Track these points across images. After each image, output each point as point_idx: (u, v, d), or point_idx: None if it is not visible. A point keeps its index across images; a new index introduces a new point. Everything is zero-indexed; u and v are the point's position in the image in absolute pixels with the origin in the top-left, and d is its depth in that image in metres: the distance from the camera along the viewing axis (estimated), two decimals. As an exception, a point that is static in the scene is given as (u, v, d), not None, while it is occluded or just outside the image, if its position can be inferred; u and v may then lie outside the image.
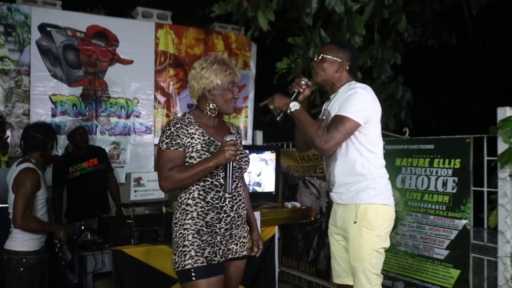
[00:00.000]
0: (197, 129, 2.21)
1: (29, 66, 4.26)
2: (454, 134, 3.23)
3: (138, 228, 3.45)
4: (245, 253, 2.34)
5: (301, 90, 2.49)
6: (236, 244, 2.27)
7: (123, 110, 4.72)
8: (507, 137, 2.81)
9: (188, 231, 2.16)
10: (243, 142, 5.11)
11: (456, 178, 3.15)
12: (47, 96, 4.35)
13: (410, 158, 3.46)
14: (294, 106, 2.40)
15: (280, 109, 2.44)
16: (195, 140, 2.18)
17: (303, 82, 2.49)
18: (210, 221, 2.17)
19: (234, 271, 2.32)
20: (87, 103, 4.56)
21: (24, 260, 2.90)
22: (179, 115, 2.32)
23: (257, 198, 4.18)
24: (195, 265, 2.12)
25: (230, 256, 2.25)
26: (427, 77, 6.53)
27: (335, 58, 2.48)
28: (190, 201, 2.18)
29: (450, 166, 3.20)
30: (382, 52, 4.50)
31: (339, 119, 2.33)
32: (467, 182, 3.09)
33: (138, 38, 4.76)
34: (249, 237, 2.41)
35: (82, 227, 3.60)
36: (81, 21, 4.50)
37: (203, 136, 2.21)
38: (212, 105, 2.24)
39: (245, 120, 5.35)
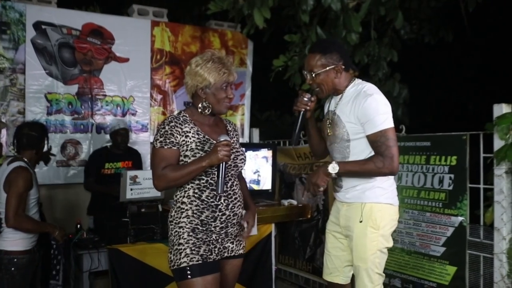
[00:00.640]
0: (192, 127, 2.20)
1: (24, 64, 4.24)
2: (451, 131, 3.23)
3: (134, 227, 3.45)
4: (241, 251, 2.33)
5: (308, 108, 2.41)
6: (232, 243, 2.26)
7: (119, 108, 4.70)
8: (503, 134, 2.81)
9: (183, 229, 2.16)
10: (240, 140, 5.11)
11: (452, 175, 3.15)
12: (42, 95, 4.34)
13: (407, 155, 3.46)
14: (333, 169, 2.28)
15: (326, 183, 2.33)
16: (190, 139, 2.17)
17: (306, 99, 2.39)
18: (205, 219, 2.16)
19: (231, 270, 2.32)
20: (83, 101, 4.54)
21: (15, 260, 2.87)
22: (175, 113, 2.29)
23: (254, 196, 4.15)
24: (191, 263, 2.12)
25: (226, 254, 2.24)
26: (423, 75, 6.53)
27: (327, 68, 2.36)
28: (185, 199, 2.18)
29: (446, 163, 3.20)
30: (378, 49, 4.49)
31: (381, 136, 2.25)
32: (464, 179, 3.09)
33: (134, 36, 4.75)
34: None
35: (78, 226, 3.59)
36: (76, 19, 4.48)
37: (198, 134, 2.19)
38: (205, 103, 2.22)
39: (241, 118, 5.34)
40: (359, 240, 2.37)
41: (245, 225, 2.31)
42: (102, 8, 5.12)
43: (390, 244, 2.44)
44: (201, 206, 2.16)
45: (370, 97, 2.28)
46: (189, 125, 2.20)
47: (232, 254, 2.27)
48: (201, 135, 2.20)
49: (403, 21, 4.24)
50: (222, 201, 2.18)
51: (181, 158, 2.18)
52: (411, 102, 4.96)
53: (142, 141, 4.81)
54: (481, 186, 3.05)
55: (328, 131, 2.48)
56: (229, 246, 2.25)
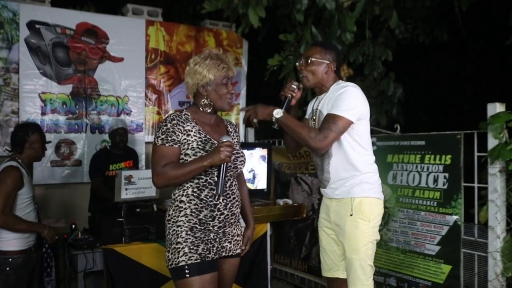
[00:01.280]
0: (193, 126, 2.20)
1: (18, 64, 4.22)
2: (445, 131, 3.24)
3: (129, 227, 3.43)
4: (238, 251, 2.34)
5: (294, 95, 2.50)
6: (230, 242, 2.26)
7: (113, 108, 4.69)
8: (497, 133, 2.82)
9: (181, 228, 2.15)
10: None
11: (447, 174, 3.16)
12: (36, 94, 4.32)
13: (401, 154, 3.47)
14: (277, 113, 2.40)
15: (264, 119, 2.44)
16: (191, 138, 2.17)
17: (294, 86, 2.50)
18: (204, 218, 2.16)
19: (228, 269, 2.31)
20: (77, 101, 4.53)
21: (10, 260, 2.87)
22: (170, 112, 2.30)
23: (249, 195, 4.17)
24: (189, 262, 2.11)
25: (223, 254, 2.24)
26: (418, 74, 6.54)
27: (323, 60, 2.51)
28: (184, 198, 2.17)
29: (441, 162, 3.21)
30: (373, 48, 4.50)
31: (331, 118, 2.37)
32: (458, 178, 3.10)
33: (128, 35, 4.73)
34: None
35: (73, 226, 3.57)
36: (70, 18, 4.47)
37: (199, 133, 2.19)
38: (207, 101, 2.23)
39: (236, 117, 5.33)
40: (351, 232, 2.45)
41: (243, 246, 2.40)
42: (97, 8, 5.11)
43: (378, 236, 2.54)
44: (200, 205, 2.15)
45: (344, 88, 2.44)
46: (190, 123, 2.20)
47: (229, 254, 2.27)
48: (202, 134, 2.20)
49: (398, 20, 4.25)
50: (220, 200, 2.18)
51: (181, 156, 2.18)
52: (406, 101, 4.97)
53: (137, 141, 4.80)
54: (476, 185, 3.06)
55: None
56: (227, 245, 2.25)
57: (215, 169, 2.14)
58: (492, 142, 2.88)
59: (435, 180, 3.23)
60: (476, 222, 3.05)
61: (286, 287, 4.63)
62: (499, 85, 5.77)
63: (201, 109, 2.25)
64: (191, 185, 2.16)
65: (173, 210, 2.20)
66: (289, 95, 2.49)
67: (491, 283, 2.89)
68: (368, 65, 4.59)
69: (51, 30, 4.36)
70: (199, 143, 2.17)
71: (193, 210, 2.15)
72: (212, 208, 2.16)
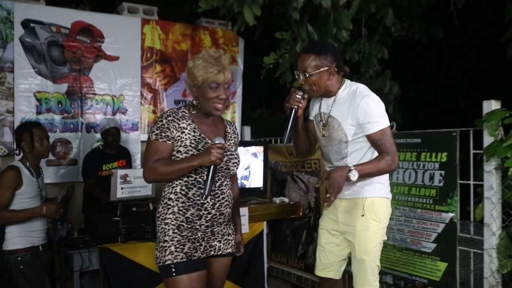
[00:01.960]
0: (189, 124, 2.19)
1: (12, 63, 4.20)
2: (441, 128, 3.24)
3: (125, 226, 3.43)
4: (230, 250, 2.33)
5: (300, 105, 2.39)
6: (220, 241, 2.26)
7: (109, 107, 4.67)
8: (492, 130, 2.82)
9: (169, 225, 2.16)
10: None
11: (442, 172, 3.17)
12: (31, 93, 4.30)
13: (398, 152, 3.46)
14: (354, 176, 2.25)
15: (343, 182, 2.30)
16: (185, 135, 2.17)
17: (299, 97, 2.37)
18: (190, 217, 2.16)
19: (218, 268, 2.31)
20: (73, 100, 4.51)
21: (19, 258, 2.91)
22: (166, 109, 2.30)
23: (245, 194, 4.18)
24: (175, 260, 2.12)
25: (212, 252, 2.24)
26: (414, 72, 6.55)
27: (321, 69, 2.37)
28: (172, 196, 2.18)
29: (437, 160, 3.21)
30: (369, 46, 4.51)
31: (382, 134, 2.32)
32: (454, 176, 3.10)
33: (124, 34, 4.71)
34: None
35: (69, 225, 3.56)
36: (65, 17, 4.44)
37: (194, 132, 2.19)
38: (194, 102, 2.24)
39: (232, 116, 5.32)
40: (362, 233, 2.42)
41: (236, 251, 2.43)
42: (92, 6, 5.10)
43: (386, 237, 2.52)
44: (187, 204, 2.15)
45: (367, 97, 2.34)
46: (187, 121, 2.19)
47: (219, 253, 2.26)
48: (197, 133, 2.19)
49: (394, 18, 4.26)
50: (208, 200, 2.17)
51: (173, 153, 2.17)
52: (402, 99, 4.98)
53: (132, 140, 4.78)
54: (471, 182, 3.06)
55: (324, 132, 2.50)
56: (216, 244, 2.24)
57: (205, 169, 2.12)
58: (487, 140, 2.88)
59: (431, 178, 3.24)
60: (472, 219, 3.06)
61: (283, 286, 4.63)
62: (495, 82, 5.79)
63: (191, 110, 2.25)
64: (180, 183, 2.17)
65: (162, 208, 2.22)
66: (295, 107, 2.38)
67: (487, 280, 2.90)
68: (364, 63, 4.59)
69: (46, 29, 4.34)
70: (192, 141, 2.16)
71: (180, 208, 2.16)
72: (199, 207, 2.16)
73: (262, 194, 4.39)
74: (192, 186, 2.16)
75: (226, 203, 2.25)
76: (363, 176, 2.31)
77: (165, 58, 4.96)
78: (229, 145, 2.29)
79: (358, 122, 2.35)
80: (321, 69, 2.37)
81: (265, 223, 4.14)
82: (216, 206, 2.20)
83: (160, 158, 2.13)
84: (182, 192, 2.16)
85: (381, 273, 3.51)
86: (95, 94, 4.61)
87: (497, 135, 2.82)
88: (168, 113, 2.20)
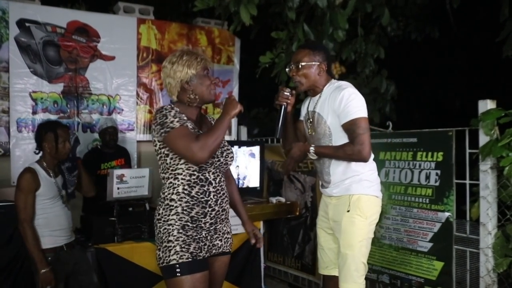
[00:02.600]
0: (186, 120, 2.19)
1: (7, 62, 4.17)
2: (437, 128, 3.25)
3: (121, 226, 3.42)
4: (229, 249, 2.33)
5: (289, 101, 2.52)
6: (221, 240, 2.26)
7: (105, 106, 4.66)
8: (488, 130, 2.83)
9: (172, 226, 2.14)
10: (228, 138, 5.10)
11: (439, 171, 3.18)
12: (27, 93, 4.28)
13: (394, 151, 3.48)
14: (311, 150, 2.51)
15: (300, 161, 2.58)
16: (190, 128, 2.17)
17: (287, 93, 2.52)
18: (195, 215, 2.15)
19: (219, 267, 2.31)
20: (68, 100, 4.49)
21: None
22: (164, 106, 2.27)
23: (242, 194, 4.13)
24: (180, 260, 2.10)
25: (214, 251, 2.24)
26: (410, 71, 6.56)
27: (313, 63, 2.52)
28: (174, 196, 2.15)
29: (433, 159, 3.22)
30: (365, 46, 4.52)
31: (353, 125, 2.40)
32: (450, 175, 3.11)
33: (119, 33, 4.70)
34: (232, 232, 2.40)
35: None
36: (61, 16, 4.42)
37: (193, 128, 2.19)
38: (193, 95, 2.21)
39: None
40: (347, 228, 2.47)
41: (253, 240, 2.45)
42: (88, 6, 5.08)
43: (372, 235, 2.56)
44: (191, 203, 2.14)
45: (344, 89, 2.45)
46: (184, 117, 2.19)
47: (220, 251, 2.27)
48: (196, 128, 2.20)
49: (390, 18, 4.26)
50: (211, 196, 2.18)
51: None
52: (398, 98, 4.99)
53: (128, 140, 4.77)
54: (467, 181, 3.07)
55: (310, 130, 2.61)
56: (218, 243, 2.25)
57: (209, 165, 2.16)
58: (483, 139, 2.89)
59: (427, 177, 3.24)
60: (468, 218, 3.06)
61: (280, 285, 4.63)
62: (490, 82, 5.80)
63: (188, 104, 2.23)
64: (182, 183, 2.15)
65: (163, 209, 2.18)
66: (284, 103, 2.51)
67: (483, 279, 2.91)
68: (360, 63, 4.60)
69: (42, 29, 4.32)
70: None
71: (185, 208, 2.14)
72: (204, 205, 2.16)
73: (258, 194, 4.38)
74: (194, 185, 2.15)
75: (226, 198, 2.28)
76: (319, 155, 2.54)
77: (161, 57, 4.93)
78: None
79: (336, 113, 2.45)
80: (313, 63, 2.52)
81: (261, 223, 4.14)
82: (219, 202, 2.21)
83: (195, 136, 2.09)
84: (185, 192, 2.14)
85: (378, 272, 3.53)
86: (91, 94, 4.59)
87: (492, 134, 2.83)
88: (169, 107, 2.18)
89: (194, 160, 2.09)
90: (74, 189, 3.16)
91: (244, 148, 4.32)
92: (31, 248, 2.84)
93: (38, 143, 3.03)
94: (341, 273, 2.49)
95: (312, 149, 2.49)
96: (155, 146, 2.20)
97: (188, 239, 2.13)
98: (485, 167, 2.90)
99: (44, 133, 3.01)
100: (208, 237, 2.19)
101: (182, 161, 2.13)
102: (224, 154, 2.24)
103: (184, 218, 2.14)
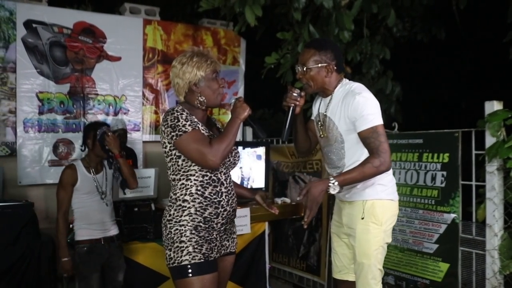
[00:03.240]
0: (198, 121, 2.19)
1: (15, 63, 4.20)
2: (443, 129, 3.24)
3: (127, 226, 3.43)
4: (235, 248, 2.35)
5: (297, 103, 2.39)
6: (228, 240, 2.28)
7: (111, 107, 4.67)
8: (494, 131, 2.82)
9: (185, 227, 2.13)
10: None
11: (444, 172, 3.17)
12: (33, 94, 4.30)
13: (399, 152, 3.47)
14: (333, 185, 2.21)
15: (322, 198, 2.29)
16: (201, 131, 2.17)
17: (295, 95, 2.38)
18: (208, 216, 2.15)
19: (225, 266, 2.32)
20: (75, 100, 4.51)
21: (77, 249, 3.03)
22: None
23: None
24: (192, 261, 2.10)
25: (223, 251, 2.26)
26: (416, 72, 6.54)
27: (320, 65, 2.36)
28: (187, 197, 2.15)
29: (439, 161, 3.21)
30: (371, 47, 4.50)
31: (371, 133, 2.26)
32: (456, 176, 3.10)
33: (126, 34, 4.71)
34: (237, 233, 2.42)
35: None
36: (67, 17, 4.44)
37: (204, 129, 2.19)
38: (201, 98, 2.21)
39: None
40: (362, 236, 2.38)
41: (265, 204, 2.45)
42: (94, 7, 5.09)
43: (390, 239, 2.46)
44: (204, 204, 2.15)
45: (358, 95, 2.30)
46: (194, 119, 2.18)
47: (227, 251, 2.29)
48: (206, 130, 2.20)
49: (396, 18, 4.25)
50: (223, 197, 2.19)
51: None
52: (404, 99, 4.97)
53: (134, 140, 4.78)
54: (473, 183, 3.06)
55: (321, 133, 2.49)
56: (226, 243, 2.27)
57: (221, 166, 2.17)
58: (489, 140, 2.88)
59: (433, 178, 3.24)
60: (474, 220, 3.05)
61: (285, 286, 4.64)
62: (497, 83, 5.78)
63: (196, 107, 2.22)
64: (195, 184, 2.15)
65: (175, 210, 2.17)
66: (292, 105, 2.39)
67: (489, 281, 2.90)
68: (366, 64, 4.59)
69: (48, 29, 4.34)
70: (207, 136, 2.18)
71: (198, 209, 2.14)
72: (217, 205, 2.16)
73: (264, 194, 4.38)
74: (207, 186, 2.15)
75: (235, 198, 2.29)
76: (347, 185, 2.29)
77: (167, 58, 4.95)
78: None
79: (350, 120, 2.32)
80: (320, 65, 2.37)
81: (266, 223, 4.14)
82: (230, 202, 2.22)
83: (208, 141, 2.11)
84: (198, 193, 2.14)
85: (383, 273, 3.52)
86: (97, 94, 4.61)
87: (499, 135, 2.82)
88: (180, 109, 2.16)
89: (207, 165, 2.10)
90: (119, 183, 3.24)
91: (248, 149, 4.33)
92: (58, 236, 3.01)
93: (84, 141, 3.18)
94: (358, 281, 2.42)
95: (333, 181, 2.20)
96: (165, 148, 2.18)
97: (200, 240, 2.13)
98: (492, 168, 2.89)
99: (88, 131, 3.16)
100: (218, 238, 2.21)
101: None
102: (233, 154, 2.26)
103: (197, 219, 2.14)
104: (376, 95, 2.42)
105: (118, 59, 4.68)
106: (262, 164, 4.35)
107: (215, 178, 2.17)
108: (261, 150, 4.36)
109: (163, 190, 3.75)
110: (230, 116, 2.24)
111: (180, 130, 2.09)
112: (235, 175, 4.07)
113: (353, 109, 2.29)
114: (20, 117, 4.22)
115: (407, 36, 5.21)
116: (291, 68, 4.19)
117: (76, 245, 3.05)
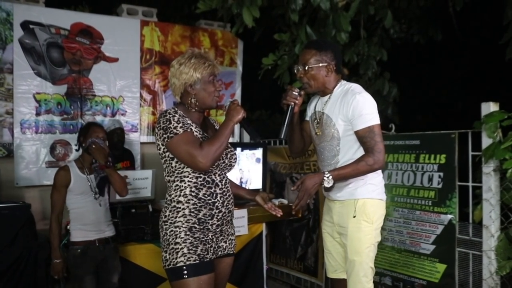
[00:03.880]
0: (191, 123, 2.19)
1: (12, 64, 4.19)
2: (440, 130, 3.25)
3: (124, 227, 3.43)
4: (233, 250, 2.35)
5: (296, 102, 2.44)
6: (225, 242, 2.28)
7: (108, 108, 4.67)
8: (491, 132, 2.83)
9: (180, 228, 2.14)
10: (231, 140, 5.10)
11: (441, 174, 3.18)
12: (31, 95, 4.29)
13: (396, 154, 3.48)
14: (328, 179, 2.33)
15: (314, 190, 2.38)
16: (194, 133, 2.17)
17: (295, 93, 2.43)
18: (203, 217, 2.15)
19: (223, 268, 2.32)
20: (72, 101, 4.50)
21: (71, 250, 3.03)
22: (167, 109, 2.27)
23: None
24: (188, 262, 2.10)
25: (220, 253, 2.26)
26: (413, 74, 6.56)
27: (320, 64, 2.44)
28: (181, 199, 2.16)
29: (435, 162, 3.22)
30: (368, 48, 4.51)
31: (368, 132, 2.33)
32: (453, 177, 3.11)
33: (123, 35, 4.71)
34: (236, 234, 2.42)
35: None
36: (65, 18, 4.44)
37: (198, 131, 2.20)
38: (194, 100, 2.22)
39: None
40: (353, 235, 2.43)
41: (267, 206, 2.44)
42: (91, 8, 5.09)
43: (380, 238, 2.52)
44: (199, 205, 2.15)
45: (358, 94, 2.38)
46: (188, 120, 2.19)
47: (225, 253, 2.28)
48: (200, 131, 2.20)
49: (393, 20, 4.26)
50: (218, 198, 2.19)
51: None
52: (401, 101, 4.98)
53: (132, 141, 4.78)
54: (470, 184, 3.07)
55: (317, 131, 2.54)
56: (223, 245, 2.27)
57: (215, 168, 2.17)
58: (486, 141, 2.89)
59: (430, 180, 3.24)
60: (470, 221, 3.06)
61: (282, 287, 4.64)
62: (493, 84, 5.80)
63: (189, 108, 2.24)
64: (189, 185, 2.15)
65: (170, 211, 2.18)
66: (292, 103, 2.43)
67: (486, 281, 2.91)
68: (363, 65, 4.59)
69: (45, 30, 4.33)
70: (199, 138, 2.18)
71: (192, 210, 2.15)
72: (211, 207, 2.17)
73: (261, 195, 4.38)
74: (201, 187, 2.16)
75: (232, 200, 2.29)
76: (340, 180, 2.39)
77: (164, 59, 4.96)
78: None
79: (348, 118, 2.38)
80: (320, 64, 2.44)
81: (264, 224, 4.14)
82: (225, 204, 2.22)
83: (200, 143, 2.11)
84: (192, 194, 2.15)
85: (380, 274, 3.53)
86: (94, 95, 4.61)
87: (495, 137, 2.83)
88: (173, 111, 2.17)
89: (197, 168, 2.10)
90: (106, 187, 3.22)
91: (246, 151, 4.33)
92: (51, 238, 3.02)
93: (77, 141, 3.18)
94: (350, 279, 2.46)
95: (327, 175, 2.33)
96: (159, 150, 2.20)
97: (195, 241, 2.14)
98: (488, 169, 2.90)
99: (82, 132, 3.16)
100: (214, 239, 2.21)
101: None
102: (229, 156, 2.26)
103: (192, 220, 2.14)
104: (373, 96, 2.45)
105: (115, 60, 4.68)
106: (259, 165, 4.35)
107: (209, 179, 2.17)
108: (258, 152, 4.36)
109: (161, 191, 3.75)
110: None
111: (172, 132, 2.10)
112: (233, 176, 4.07)
113: (352, 107, 2.36)
114: (17, 118, 4.21)
115: (404, 38, 5.23)
116: (288, 69, 4.20)
117: (70, 246, 3.05)
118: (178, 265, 2.11)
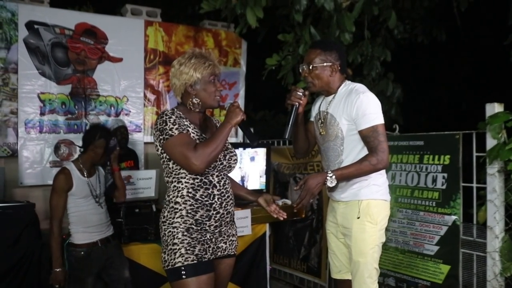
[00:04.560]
0: (188, 124, 2.19)
1: (16, 64, 4.20)
2: (444, 131, 3.25)
3: (128, 227, 3.44)
4: (234, 251, 2.34)
5: (301, 102, 2.44)
6: (225, 243, 2.26)
7: (112, 108, 4.68)
8: (495, 133, 2.82)
9: (177, 229, 2.14)
10: (234, 140, 5.11)
11: (445, 174, 3.17)
12: (35, 95, 4.30)
13: (400, 154, 3.47)
14: (331, 179, 2.32)
15: (317, 190, 2.37)
16: (191, 134, 2.17)
17: (299, 94, 2.44)
18: (200, 218, 2.15)
19: (223, 269, 2.31)
20: (76, 101, 4.51)
21: (74, 253, 3.02)
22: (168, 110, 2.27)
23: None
24: (185, 263, 2.10)
25: (219, 254, 2.24)
26: (417, 74, 6.55)
27: (325, 64, 2.45)
28: (179, 199, 2.16)
29: (439, 162, 3.21)
30: (372, 49, 4.51)
31: (372, 132, 2.33)
32: (457, 178, 3.10)
33: (127, 35, 4.72)
34: (238, 235, 2.41)
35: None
36: (69, 18, 4.45)
37: (193, 130, 2.19)
38: (195, 100, 2.21)
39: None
40: (358, 236, 2.42)
41: (271, 208, 2.44)
42: (95, 8, 5.10)
43: (384, 239, 2.51)
44: (196, 206, 2.15)
45: (362, 94, 2.38)
46: (186, 121, 2.19)
47: (225, 254, 2.27)
48: (198, 133, 2.20)
49: (397, 20, 4.26)
50: (216, 199, 2.18)
51: None
52: (405, 101, 4.98)
53: (136, 141, 4.79)
54: (474, 185, 3.06)
55: (321, 130, 2.53)
56: (222, 246, 2.25)
57: (212, 169, 2.16)
58: (490, 142, 2.88)
59: (434, 180, 3.24)
60: (475, 222, 3.05)
61: (285, 287, 4.64)
62: (498, 85, 5.78)
63: (190, 109, 2.23)
64: (186, 186, 2.15)
65: (168, 212, 2.18)
66: (296, 104, 2.43)
67: (490, 283, 2.90)
68: (366, 65, 4.60)
69: (50, 31, 4.35)
70: (196, 139, 2.17)
71: (189, 211, 2.14)
72: (208, 208, 2.16)
73: (264, 196, 4.38)
74: (199, 188, 2.15)
75: (231, 201, 2.27)
76: (343, 180, 2.38)
77: (168, 60, 4.96)
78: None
79: (352, 118, 2.38)
80: (325, 64, 2.45)
81: (267, 225, 4.14)
82: (223, 205, 2.21)
83: (195, 145, 2.09)
84: (189, 195, 2.15)
85: (384, 275, 3.53)
86: (98, 95, 4.62)
87: (500, 137, 2.82)
88: (170, 112, 2.17)
89: (191, 170, 2.09)
90: (106, 189, 3.23)
91: (249, 150, 4.33)
92: (52, 245, 2.97)
93: (85, 144, 3.11)
94: (355, 280, 2.45)
95: (330, 174, 2.32)
96: (157, 151, 2.21)
97: (193, 241, 2.14)
98: (493, 170, 2.89)
99: (98, 137, 3.08)
100: (213, 240, 2.20)
101: None
102: (227, 157, 2.23)
103: (189, 221, 2.14)
104: (377, 97, 2.44)
105: (119, 60, 4.69)
106: (262, 165, 4.35)
107: (206, 180, 2.16)
108: (261, 152, 4.37)
109: (164, 191, 3.74)
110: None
111: (167, 133, 2.10)
112: (235, 176, 4.08)
113: (356, 107, 2.36)
114: (22, 118, 4.22)
115: (408, 38, 5.22)
116: (292, 69, 4.20)
117: (72, 249, 3.02)
118: (176, 265, 2.11)
